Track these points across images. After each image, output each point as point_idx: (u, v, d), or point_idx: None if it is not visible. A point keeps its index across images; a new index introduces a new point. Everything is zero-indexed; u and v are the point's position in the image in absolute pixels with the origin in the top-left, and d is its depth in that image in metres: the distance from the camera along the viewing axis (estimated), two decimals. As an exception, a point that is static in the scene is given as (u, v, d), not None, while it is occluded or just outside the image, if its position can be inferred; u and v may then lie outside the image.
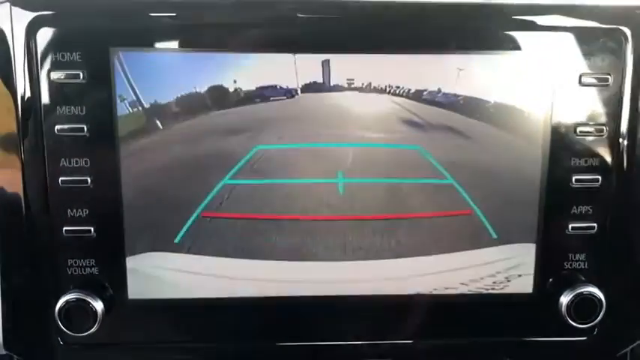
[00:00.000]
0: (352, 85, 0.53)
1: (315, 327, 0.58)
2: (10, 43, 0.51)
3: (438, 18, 0.54)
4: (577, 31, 0.53)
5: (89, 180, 0.53)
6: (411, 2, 0.53)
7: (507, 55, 0.53)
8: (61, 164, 0.52)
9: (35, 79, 0.51)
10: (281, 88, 0.53)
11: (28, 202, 0.53)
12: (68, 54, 0.51)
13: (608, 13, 0.54)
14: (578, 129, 0.55)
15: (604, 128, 0.55)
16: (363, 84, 0.53)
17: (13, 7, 0.50)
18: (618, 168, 0.56)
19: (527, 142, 0.55)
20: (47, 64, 0.51)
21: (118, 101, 0.52)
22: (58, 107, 0.52)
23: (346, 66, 0.53)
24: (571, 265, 0.57)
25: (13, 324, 0.56)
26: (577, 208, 0.56)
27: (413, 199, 0.56)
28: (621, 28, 0.54)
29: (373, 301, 0.57)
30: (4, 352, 0.56)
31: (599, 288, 0.55)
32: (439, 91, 0.54)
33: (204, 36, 0.52)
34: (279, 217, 0.55)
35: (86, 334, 0.53)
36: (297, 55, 0.52)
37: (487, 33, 0.53)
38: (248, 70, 0.53)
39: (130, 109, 0.52)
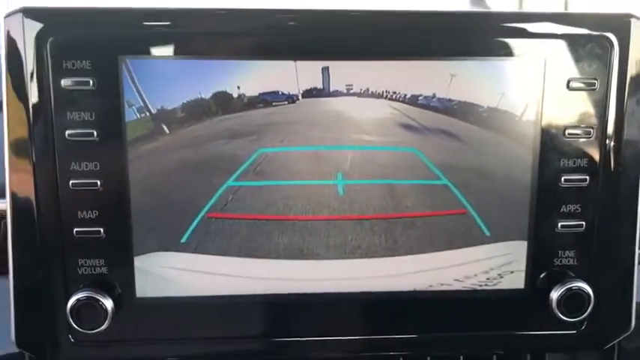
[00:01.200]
0: (351, 91, 0.55)
1: (315, 322, 0.60)
2: (22, 51, 0.52)
3: (432, 26, 0.56)
4: (565, 38, 0.55)
5: (99, 183, 0.54)
6: (407, 11, 0.55)
7: (499, 62, 0.55)
8: (71, 168, 0.54)
9: (46, 87, 0.53)
10: (283, 93, 0.55)
11: (40, 205, 0.54)
12: (78, 62, 0.52)
13: (595, 20, 0.55)
14: (567, 131, 0.56)
15: (591, 130, 0.57)
16: (361, 89, 0.55)
17: (25, 18, 0.52)
18: (605, 168, 0.57)
19: (519, 144, 0.57)
20: (58, 72, 0.52)
21: (127, 107, 0.53)
22: (68, 113, 0.53)
23: (345, 72, 0.55)
24: (561, 261, 0.59)
25: (25, 322, 0.57)
26: (566, 206, 0.58)
27: (409, 200, 0.57)
28: (607, 35, 0.55)
29: (372, 298, 0.59)
30: (16, 349, 0.57)
31: (588, 283, 0.57)
32: (434, 96, 0.56)
33: (208, 44, 0.54)
34: (282, 218, 0.57)
35: (96, 331, 0.54)
36: (298, 62, 0.54)
37: (479, 40, 0.55)
38: (251, 77, 0.54)
39: (137, 114, 0.54)
